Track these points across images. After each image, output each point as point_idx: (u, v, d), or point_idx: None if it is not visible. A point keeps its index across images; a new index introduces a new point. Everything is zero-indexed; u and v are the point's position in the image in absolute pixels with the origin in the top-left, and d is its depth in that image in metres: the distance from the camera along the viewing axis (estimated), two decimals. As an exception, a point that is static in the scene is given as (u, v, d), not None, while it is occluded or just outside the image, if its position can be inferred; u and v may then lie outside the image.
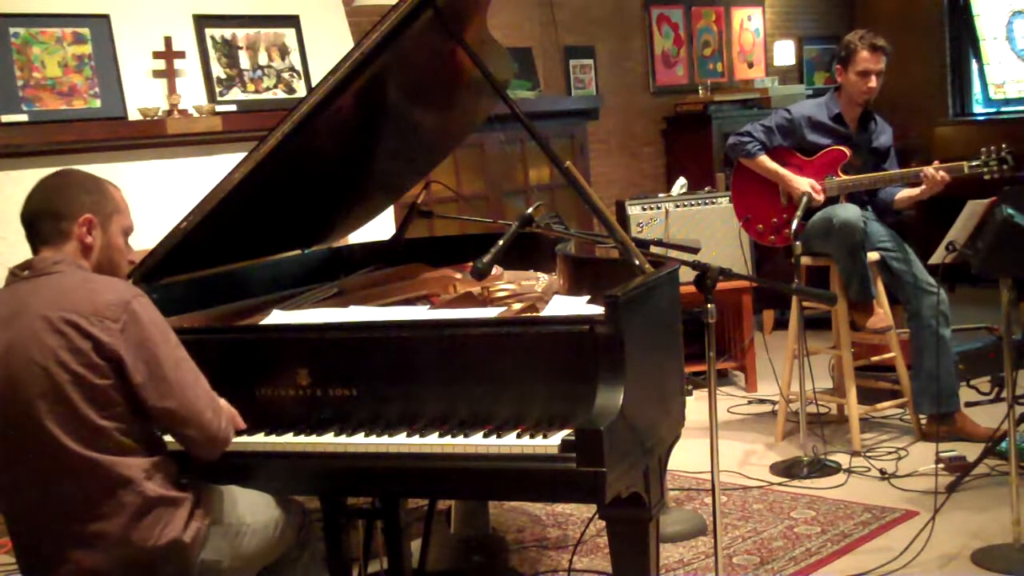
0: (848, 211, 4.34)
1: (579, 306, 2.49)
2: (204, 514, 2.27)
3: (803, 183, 4.46)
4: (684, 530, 3.66)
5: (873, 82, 4.46)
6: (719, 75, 7.93)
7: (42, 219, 2.30)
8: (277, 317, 2.68)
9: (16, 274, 2.29)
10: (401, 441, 2.27)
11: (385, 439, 2.29)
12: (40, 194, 2.32)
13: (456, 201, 5.09)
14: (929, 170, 4.32)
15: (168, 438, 2.36)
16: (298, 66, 4.92)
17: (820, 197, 4.42)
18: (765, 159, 4.56)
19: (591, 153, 6.71)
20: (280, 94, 4.85)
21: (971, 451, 4.01)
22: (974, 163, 4.30)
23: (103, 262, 2.33)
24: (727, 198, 5.31)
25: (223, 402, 2.32)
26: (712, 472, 2.64)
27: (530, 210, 2.84)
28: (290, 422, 2.42)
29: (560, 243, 3.17)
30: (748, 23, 8.19)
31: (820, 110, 4.61)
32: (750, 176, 4.64)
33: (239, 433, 2.37)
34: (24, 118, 4.14)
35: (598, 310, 2.25)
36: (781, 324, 6.62)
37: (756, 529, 3.70)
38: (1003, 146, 4.28)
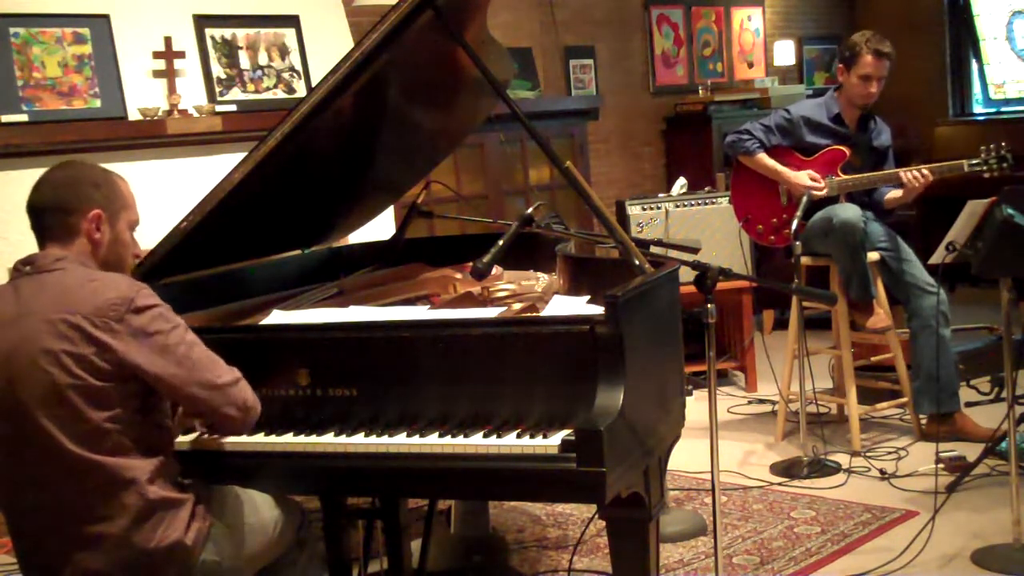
0: (848, 211, 4.34)
1: (579, 306, 2.49)
2: (205, 515, 2.27)
3: (801, 176, 4.46)
4: (684, 530, 3.66)
5: (874, 87, 4.45)
6: (719, 75, 7.93)
7: (49, 213, 2.26)
8: (277, 317, 2.68)
9: (19, 269, 2.26)
10: (401, 441, 2.27)
11: (385, 439, 2.28)
12: (47, 186, 2.28)
13: (456, 201, 5.09)
14: (907, 174, 4.32)
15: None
16: (298, 66, 4.92)
17: (821, 188, 4.41)
18: (763, 156, 4.56)
19: (591, 153, 6.71)
20: (280, 94, 4.84)
21: (971, 451, 4.01)
22: (974, 162, 4.30)
23: (110, 257, 2.31)
24: (727, 198, 5.31)
25: None
26: (712, 472, 2.64)
27: (530, 210, 2.84)
28: (290, 422, 2.42)
29: (560, 243, 3.17)
30: (748, 23, 8.19)
31: (819, 110, 4.60)
32: (750, 176, 4.65)
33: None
34: (24, 118, 4.13)
35: (598, 310, 2.25)
36: (781, 324, 6.62)
37: (756, 529, 3.70)
38: (1003, 144, 4.28)
